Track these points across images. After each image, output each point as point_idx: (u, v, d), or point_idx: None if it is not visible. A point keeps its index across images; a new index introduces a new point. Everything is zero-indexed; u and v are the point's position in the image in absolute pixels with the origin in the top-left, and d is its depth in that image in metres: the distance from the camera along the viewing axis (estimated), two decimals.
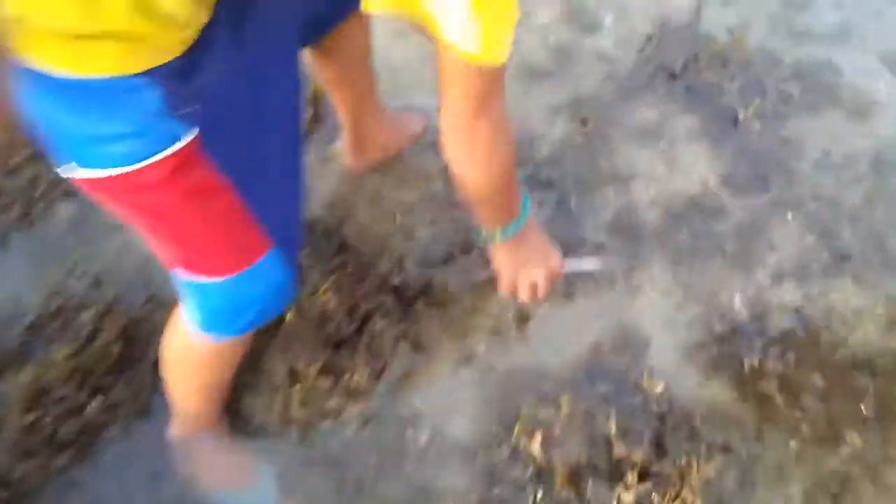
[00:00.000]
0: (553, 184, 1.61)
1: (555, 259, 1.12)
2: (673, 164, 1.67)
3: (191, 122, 0.69)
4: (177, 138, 0.68)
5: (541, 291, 1.12)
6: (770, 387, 1.37)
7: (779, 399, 1.36)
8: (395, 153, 1.60)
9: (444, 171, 1.61)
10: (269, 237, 0.84)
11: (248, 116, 0.75)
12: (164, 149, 0.68)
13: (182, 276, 0.88)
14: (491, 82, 0.77)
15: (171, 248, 0.83)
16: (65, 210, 1.55)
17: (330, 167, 1.61)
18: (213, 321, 0.95)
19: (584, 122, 1.69)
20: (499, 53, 0.73)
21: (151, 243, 0.85)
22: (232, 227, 0.80)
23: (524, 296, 1.11)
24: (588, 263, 1.34)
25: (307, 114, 1.65)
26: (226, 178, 0.74)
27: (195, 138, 0.69)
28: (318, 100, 1.67)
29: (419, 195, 1.59)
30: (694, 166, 1.67)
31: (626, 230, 1.56)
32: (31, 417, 1.23)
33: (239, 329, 0.97)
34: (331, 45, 1.20)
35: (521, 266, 1.09)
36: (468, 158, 0.86)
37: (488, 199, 0.95)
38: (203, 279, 0.87)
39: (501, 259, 1.09)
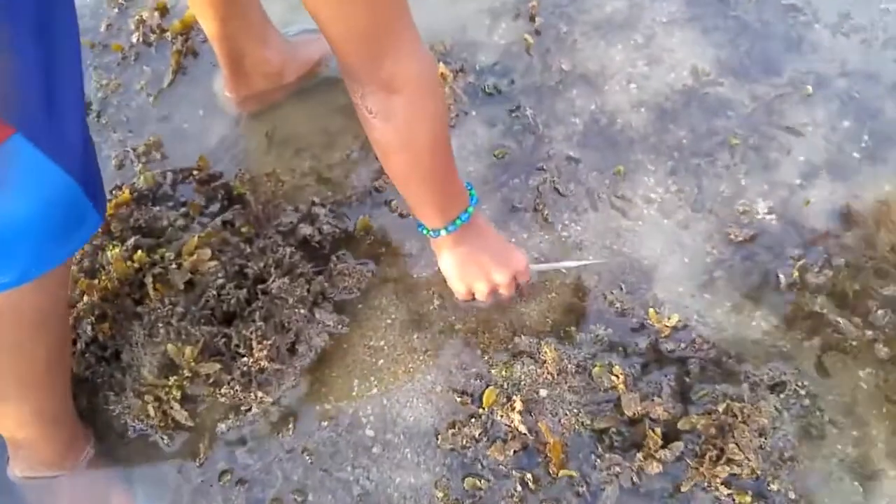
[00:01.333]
0: (502, 94, 1.44)
1: (518, 259, 1.10)
2: (655, 58, 1.52)
3: None
4: None
5: (504, 295, 1.12)
6: (820, 303, 1.18)
7: (835, 316, 1.17)
8: (291, 86, 1.43)
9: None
10: (4, 119, 0.67)
11: None
12: None
13: None
14: (382, 8, 0.74)
15: None
16: None
17: (210, 110, 1.43)
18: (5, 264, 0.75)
19: (532, 19, 1.54)
20: None
21: None
22: None
23: (484, 298, 1.11)
24: (564, 263, 1.22)
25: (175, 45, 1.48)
26: None
27: None
28: (189, 28, 1.51)
29: (330, 131, 1.41)
30: (682, 57, 1.52)
31: (604, 138, 1.39)
32: None
33: (16, 273, 0.77)
34: None
35: (474, 269, 1.06)
36: (380, 121, 0.83)
37: (414, 179, 0.92)
38: None
39: (447, 259, 1.07)
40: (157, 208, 1.26)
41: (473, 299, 1.15)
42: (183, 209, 1.27)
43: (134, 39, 1.51)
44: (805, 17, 1.56)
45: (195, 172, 1.31)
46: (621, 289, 1.22)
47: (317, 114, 1.43)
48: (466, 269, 1.07)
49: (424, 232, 1.03)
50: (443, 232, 1.00)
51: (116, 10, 1.57)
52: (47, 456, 1.02)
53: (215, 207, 1.28)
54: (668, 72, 1.50)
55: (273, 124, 1.41)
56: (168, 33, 1.51)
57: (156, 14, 1.52)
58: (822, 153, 1.37)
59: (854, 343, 1.15)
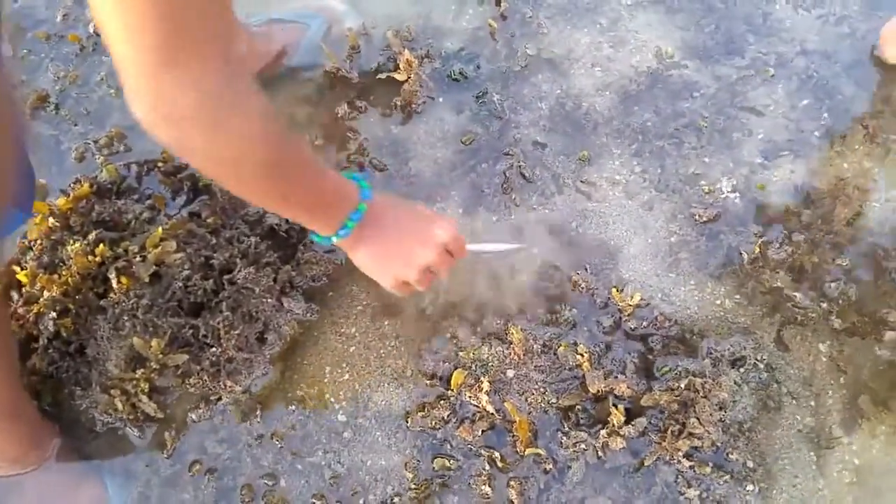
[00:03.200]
0: (468, 79, 1.47)
1: (442, 230, 0.96)
2: (620, 41, 1.55)
3: None
4: None
5: (441, 274, 0.98)
6: (779, 278, 1.24)
7: (793, 291, 1.22)
8: (259, 74, 1.44)
9: (322, 89, 1.47)
10: None
11: None
12: None
13: None
14: (178, 11, 0.60)
15: None
16: None
17: None
18: None
19: (497, 4, 1.57)
20: None
21: None
22: None
23: (420, 286, 0.98)
24: (494, 246, 1.17)
25: None
26: None
27: None
28: None
29: (294, 120, 1.43)
30: (647, 39, 1.56)
31: (569, 121, 1.43)
32: None
33: None
34: None
35: (392, 260, 0.95)
36: (177, 147, 0.68)
37: (259, 200, 0.79)
38: None
39: (360, 260, 0.95)
40: (122, 201, 1.28)
41: (411, 289, 1.02)
42: (148, 202, 1.29)
43: (91, 30, 1.52)
44: None
45: (160, 164, 1.33)
46: (586, 269, 1.26)
47: (282, 103, 1.45)
48: (384, 262, 0.96)
49: (317, 240, 0.92)
50: (335, 239, 0.90)
51: None
52: (9, 452, 1.04)
53: (181, 199, 1.31)
54: (632, 54, 1.54)
55: None
56: None
57: None
58: (783, 132, 1.43)
59: (811, 316, 1.21)
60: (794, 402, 1.14)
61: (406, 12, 1.59)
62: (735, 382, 1.13)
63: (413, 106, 1.43)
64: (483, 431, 1.09)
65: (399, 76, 1.42)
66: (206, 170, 0.75)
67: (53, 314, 1.08)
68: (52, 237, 1.14)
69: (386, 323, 1.23)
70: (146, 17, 0.59)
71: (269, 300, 1.16)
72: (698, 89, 1.49)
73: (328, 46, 1.48)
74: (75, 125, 1.41)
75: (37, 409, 1.06)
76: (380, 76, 1.45)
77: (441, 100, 1.46)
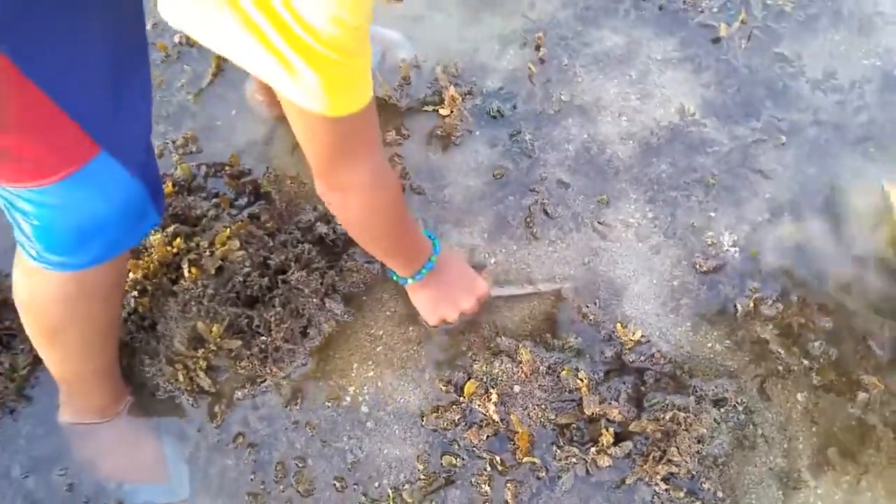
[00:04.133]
0: (505, 118, 1.59)
1: (480, 287, 1.25)
2: (647, 94, 1.66)
3: None
4: None
5: (469, 314, 1.26)
6: (768, 332, 1.34)
7: (779, 345, 1.33)
8: None
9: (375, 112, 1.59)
10: (94, 140, 0.81)
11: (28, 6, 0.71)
12: None
13: (3, 189, 0.83)
14: (345, 131, 0.79)
15: None
16: None
17: (242, 110, 1.58)
18: (51, 247, 0.90)
19: (537, 48, 1.68)
20: (344, 105, 0.74)
21: None
22: (33, 120, 0.76)
23: (452, 321, 1.26)
24: (523, 289, 1.39)
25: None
26: (8, 60, 0.70)
27: None
28: None
29: None
30: (671, 95, 1.66)
31: (592, 165, 1.54)
32: None
33: (89, 257, 0.93)
34: None
35: (441, 301, 1.22)
36: (339, 211, 0.94)
37: (375, 250, 1.04)
38: (18, 189, 0.82)
39: (419, 299, 1.22)
40: (192, 198, 1.41)
41: (445, 322, 1.29)
42: (215, 200, 1.42)
43: (176, 40, 1.66)
44: (792, 68, 1.70)
45: (227, 167, 1.46)
46: (595, 303, 1.38)
47: None
48: (436, 305, 1.23)
49: (395, 278, 1.17)
50: (410, 280, 1.15)
51: None
52: (96, 404, 1.19)
53: (243, 201, 1.44)
54: (657, 108, 1.65)
55: None
56: None
57: None
58: (787, 196, 1.52)
59: (793, 369, 1.31)
60: (767, 443, 1.25)
61: (454, 47, 1.71)
62: (715, 420, 1.24)
63: (453, 137, 1.55)
64: (487, 437, 1.22)
65: (443, 111, 1.54)
66: (352, 228, 0.99)
67: (135, 293, 1.23)
68: None
69: (410, 329, 1.36)
70: (320, 132, 0.80)
71: (314, 300, 1.29)
72: (713, 146, 1.59)
73: (381, 75, 1.60)
74: (157, 125, 1.55)
75: (120, 372, 1.21)
76: (426, 108, 1.57)
77: (478, 134, 1.58)
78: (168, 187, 1.37)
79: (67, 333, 1.04)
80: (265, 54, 0.69)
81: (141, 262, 1.24)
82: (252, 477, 1.21)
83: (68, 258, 0.92)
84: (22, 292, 1.01)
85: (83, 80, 0.80)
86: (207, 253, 1.27)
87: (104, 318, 1.06)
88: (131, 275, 1.24)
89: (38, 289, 0.98)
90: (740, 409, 1.27)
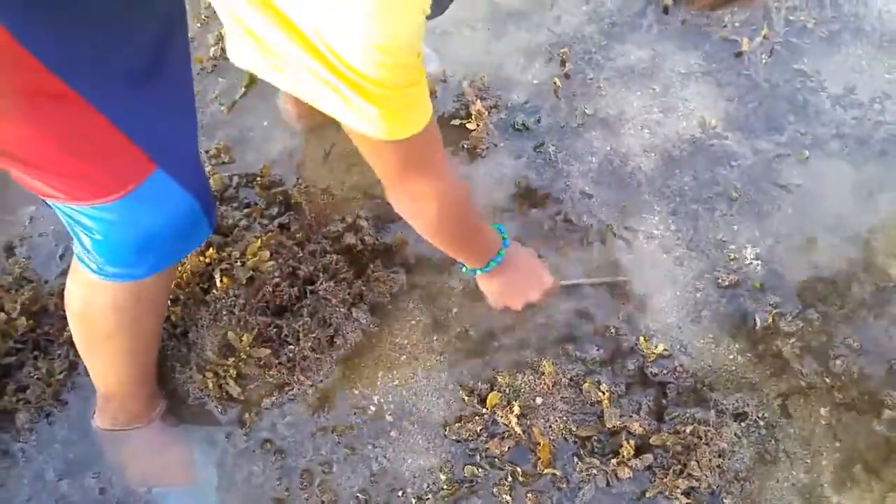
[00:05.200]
0: (529, 130, 1.57)
1: (547, 281, 1.20)
2: (669, 107, 1.62)
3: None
4: None
5: (535, 304, 1.21)
6: (788, 347, 1.30)
7: (800, 362, 1.29)
8: None
9: None
10: (150, 158, 0.82)
11: (84, 20, 0.72)
12: None
13: (61, 206, 0.85)
14: (409, 149, 0.79)
15: (29, 169, 0.80)
16: None
17: (274, 121, 1.58)
18: (111, 260, 0.92)
19: (563, 63, 1.65)
20: (405, 130, 0.75)
21: (11, 171, 0.82)
22: (92, 144, 0.78)
23: (517, 309, 1.20)
24: (588, 279, 1.36)
25: None
26: (61, 81, 0.72)
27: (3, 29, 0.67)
28: None
29: None
30: (694, 108, 1.62)
31: (616, 177, 1.51)
32: None
33: (145, 269, 0.94)
34: None
35: (509, 290, 1.18)
36: (410, 218, 0.94)
37: (447, 248, 1.03)
38: (82, 207, 0.84)
39: (487, 287, 1.18)
40: (224, 207, 1.41)
41: (509, 309, 1.22)
42: (246, 210, 1.42)
43: (212, 53, 1.66)
44: (812, 83, 1.66)
45: (258, 178, 1.46)
46: (618, 316, 1.35)
47: None
48: (504, 294, 1.19)
49: (464, 270, 1.12)
50: (479, 272, 1.12)
51: (199, 24, 1.72)
52: (132, 411, 1.19)
53: (274, 211, 1.43)
54: (679, 121, 1.61)
55: (330, 141, 1.55)
56: None
57: None
58: (810, 211, 1.48)
59: (815, 385, 1.27)
60: (789, 459, 1.21)
61: (481, 60, 1.69)
62: (736, 434, 1.20)
63: (478, 150, 1.52)
64: (509, 448, 1.19)
65: (470, 125, 1.52)
66: (426, 232, 0.98)
67: (168, 302, 1.22)
68: None
69: (434, 339, 1.34)
70: (384, 153, 0.80)
71: (342, 310, 1.28)
72: (736, 160, 1.55)
73: None
74: None
75: (155, 378, 1.21)
76: (453, 122, 1.55)
77: (503, 146, 1.56)
78: None
79: (116, 340, 1.05)
80: (321, 87, 0.69)
81: (174, 271, 1.24)
82: (278, 483, 1.19)
83: (126, 269, 0.94)
84: (76, 302, 1.03)
85: (141, 103, 0.81)
86: (239, 263, 1.26)
87: (151, 324, 1.08)
88: None
89: (94, 298, 1.00)
90: (761, 423, 1.23)
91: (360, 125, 0.72)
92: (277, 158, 1.54)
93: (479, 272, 1.12)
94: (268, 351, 1.22)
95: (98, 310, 1.01)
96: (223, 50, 1.66)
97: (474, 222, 1.05)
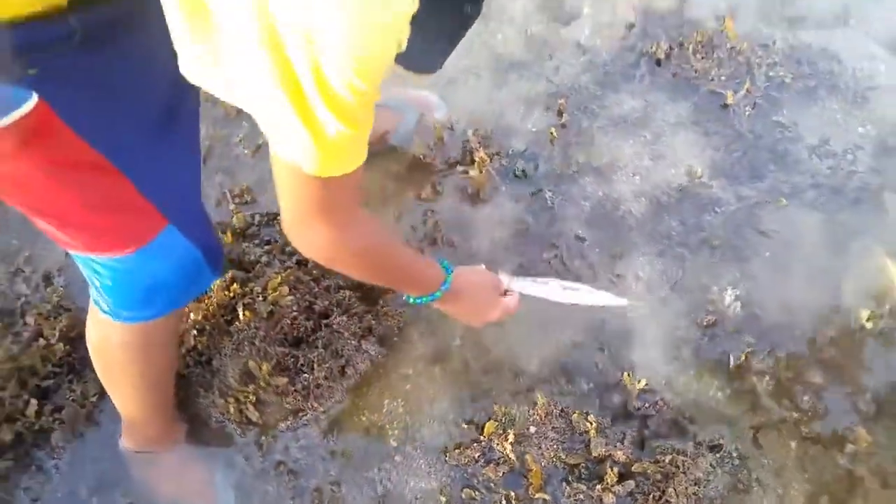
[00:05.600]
0: (528, 177, 1.68)
1: (505, 305, 1.24)
2: (659, 155, 1.74)
3: (38, 86, 0.71)
4: (24, 101, 0.71)
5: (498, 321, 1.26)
6: (762, 384, 1.40)
7: (772, 399, 1.39)
8: None
9: (411, 169, 1.70)
10: (163, 215, 0.90)
11: (112, 93, 0.79)
12: (9, 112, 0.71)
13: (79, 255, 0.93)
14: (333, 189, 0.76)
15: (53, 223, 0.87)
16: (12, 210, 1.63)
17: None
18: (120, 304, 1.00)
19: (560, 114, 1.77)
20: (337, 168, 0.72)
21: (37, 222, 0.87)
22: (114, 202, 0.85)
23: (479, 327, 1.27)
24: (588, 300, 1.35)
25: None
26: (96, 151, 0.78)
27: (44, 104, 0.72)
28: None
29: (385, 193, 1.66)
30: (682, 156, 1.74)
31: (607, 221, 1.62)
32: None
33: (152, 312, 1.03)
34: None
35: (466, 314, 1.23)
36: (315, 256, 0.90)
37: (376, 282, 1.05)
38: (99, 257, 0.91)
39: (446, 311, 1.22)
40: (247, 244, 1.53)
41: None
42: (267, 247, 1.53)
43: None
44: (791, 133, 1.77)
45: (279, 217, 1.57)
46: (603, 351, 1.45)
47: (377, 177, 1.68)
48: (463, 317, 1.24)
49: (409, 300, 1.13)
50: (425, 300, 1.12)
51: None
52: (153, 435, 1.29)
53: (292, 248, 1.54)
54: (668, 168, 1.72)
55: None
56: None
57: None
58: (787, 255, 1.58)
59: (785, 420, 1.37)
60: (762, 488, 1.31)
61: (484, 108, 1.81)
62: (711, 464, 1.30)
63: (481, 194, 1.64)
64: (504, 473, 1.29)
65: (473, 171, 1.63)
66: (344, 271, 0.97)
67: (195, 332, 1.33)
68: None
69: (437, 369, 1.44)
70: (301, 186, 0.77)
71: (353, 342, 1.39)
72: (720, 206, 1.66)
73: (419, 135, 1.71)
74: (216, 176, 1.67)
75: (175, 405, 1.31)
76: (459, 169, 1.67)
77: (504, 190, 1.67)
78: (228, 237, 1.49)
79: (130, 374, 1.15)
80: (266, 101, 0.66)
81: (201, 304, 1.35)
82: (291, 502, 1.30)
83: (134, 312, 1.02)
84: (93, 337, 1.12)
85: (158, 164, 0.88)
86: (260, 298, 1.37)
87: (162, 360, 1.17)
88: (192, 315, 1.35)
89: (108, 336, 1.09)
90: (735, 455, 1.33)
91: (293, 154, 0.70)
92: None
93: (425, 300, 1.13)
94: (285, 379, 1.33)
95: (112, 346, 1.10)
96: None
97: (403, 262, 1.04)
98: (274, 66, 0.63)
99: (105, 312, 1.03)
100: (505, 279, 1.29)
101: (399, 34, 0.62)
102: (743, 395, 1.40)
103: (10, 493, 1.30)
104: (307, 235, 0.86)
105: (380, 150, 1.70)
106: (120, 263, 0.92)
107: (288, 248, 1.55)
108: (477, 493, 1.29)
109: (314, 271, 1.48)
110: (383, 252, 0.98)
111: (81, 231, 0.88)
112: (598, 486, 1.27)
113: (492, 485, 1.29)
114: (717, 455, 1.32)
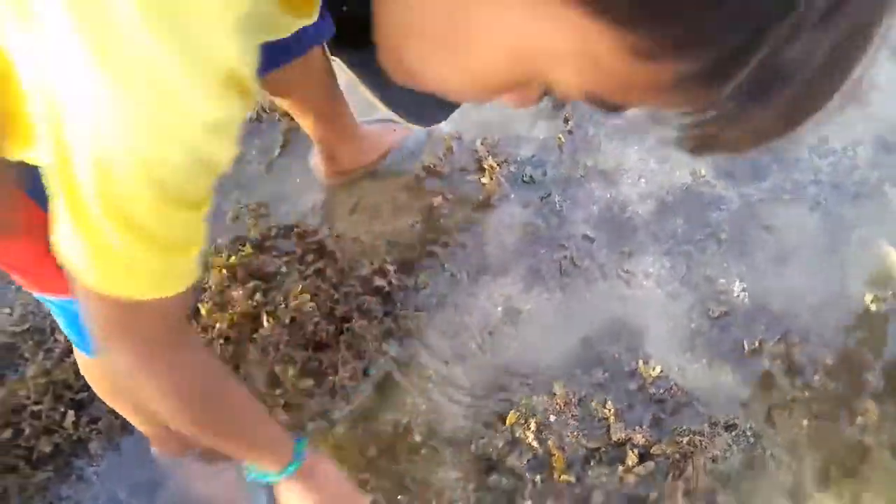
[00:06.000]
0: (536, 182, 1.91)
1: None
2: (663, 159, 1.97)
3: None
4: None
5: None
6: (774, 367, 1.60)
7: (785, 379, 1.58)
8: (370, 165, 1.89)
9: (422, 180, 1.92)
10: None
11: None
12: None
13: (37, 295, 0.96)
14: (130, 310, 0.63)
15: (4, 267, 0.93)
16: None
17: (307, 179, 1.91)
18: (83, 340, 1.05)
19: (566, 121, 2.01)
20: (120, 286, 0.60)
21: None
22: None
23: None
24: None
25: (280, 130, 1.97)
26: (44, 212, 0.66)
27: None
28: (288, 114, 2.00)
29: (396, 203, 1.88)
30: (686, 159, 1.96)
31: (615, 222, 1.84)
32: (8, 433, 1.47)
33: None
34: (284, 77, 1.37)
35: None
36: (117, 390, 0.87)
37: (203, 438, 0.89)
38: (52, 298, 0.95)
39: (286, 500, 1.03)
40: (265, 256, 1.74)
41: None
42: (285, 258, 1.74)
43: (251, 115, 2.01)
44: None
45: (295, 227, 1.79)
46: (619, 342, 1.65)
47: (388, 189, 1.91)
48: None
49: (248, 472, 1.00)
50: (260, 477, 0.99)
51: None
52: (169, 445, 1.46)
53: (309, 258, 1.75)
54: (672, 170, 1.95)
55: (356, 196, 1.89)
56: (276, 113, 2.00)
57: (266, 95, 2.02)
58: (790, 247, 1.80)
59: (796, 398, 1.56)
60: (776, 463, 1.50)
61: (492, 119, 2.04)
62: (727, 443, 1.49)
63: (491, 200, 1.86)
64: (528, 460, 1.48)
65: (483, 178, 1.86)
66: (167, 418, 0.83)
67: (221, 341, 1.53)
68: (225, 284, 1.60)
69: (457, 368, 1.64)
70: (88, 296, 0.64)
71: (374, 343, 1.59)
72: (724, 204, 1.88)
73: (428, 145, 1.93)
74: (232, 192, 1.89)
75: None
76: (468, 177, 1.90)
77: (513, 196, 1.90)
78: (247, 249, 1.70)
79: (125, 401, 1.31)
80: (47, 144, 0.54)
81: (226, 314, 1.56)
82: None
83: (86, 347, 1.08)
84: (81, 370, 1.27)
85: None
86: (283, 305, 1.57)
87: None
88: (217, 325, 1.55)
89: (87, 368, 1.23)
90: (749, 433, 1.52)
91: (66, 247, 0.58)
92: (310, 212, 1.87)
93: (265, 478, 0.99)
94: (311, 381, 1.52)
95: (97, 378, 1.24)
96: (258, 114, 2.01)
97: (239, 412, 0.89)
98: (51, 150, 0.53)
99: (78, 347, 1.12)
100: None
101: (194, 142, 0.52)
102: (755, 377, 1.60)
103: (51, 502, 1.47)
104: (104, 354, 0.72)
105: (387, 163, 1.92)
106: (70, 304, 0.94)
107: (307, 258, 1.76)
108: (503, 479, 1.47)
109: (332, 279, 1.68)
110: (212, 393, 0.83)
111: (26, 275, 0.92)
112: (620, 468, 1.45)
113: (517, 471, 1.47)
114: (733, 434, 1.51)
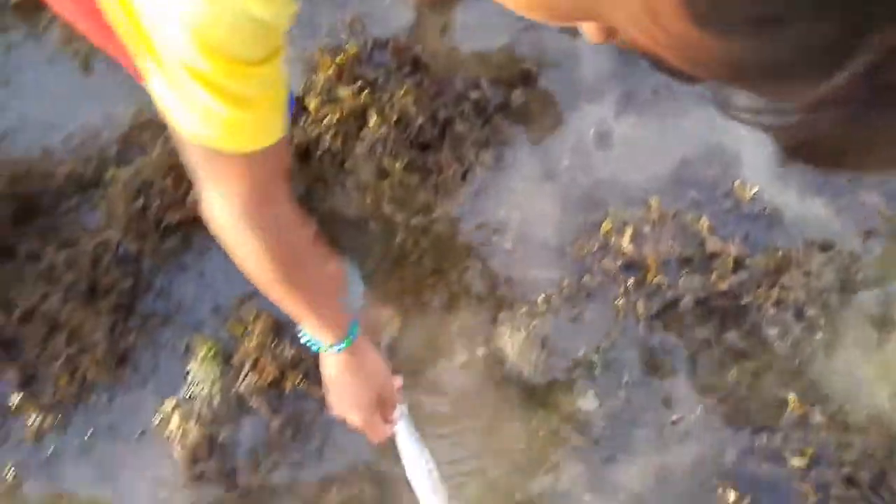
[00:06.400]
0: None
1: (368, 418, 1.12)
2: None
3: None
4: None
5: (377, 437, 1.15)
6: (870, 196, 1.61)
7: (882, 207, 1.59)
8: None
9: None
10: None
11: None
12: None
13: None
14: (202, 159, 0.72)
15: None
16: None
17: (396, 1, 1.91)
18: None
19: None
20: (208, 137, 0.66)
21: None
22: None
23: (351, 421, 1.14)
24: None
25: None
26: None
27: None
28: None
29: (490, 23, 1.87)
30: None
31: None
32: (138, 204, 1.58)
33: None
34: None
35: (335, 391, 1.11)
36: (215, 227, 0.84)
37: (273, 297, 0.95)
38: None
39: (330, 376, 1.10)
40: (362, 68, 1.76)
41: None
42: (382, 69, 1.75)
43: None
44: None
45: (390, 42, 1.79)
46: (714, 165, 1.66)
47: (480, 9, 1.89)
48: (341, 395, 1.11)
49: (303, 338, 1.06)
50: (323, 347, 1.04)
51: None
52: None
53: (406, 69, 1.77)
54: None
55: (446, 17, 1.88)
56: None
57: None
58: None
59: (891, 219, 1.58)
60: (866, 287, 1.53)
61: None
62: (821, 262, 1.52)
63: None
64: (621, 264, 1.54)
65: None
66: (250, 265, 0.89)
67: (329, 135, 1.58)
68: (328, 87, 1.64)
69: (547, 185, 1.67)
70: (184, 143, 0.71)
71: (473, 149, 1.63)
72: None
73: None
74: (325, 7, 1.89)
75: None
76: None
77: None
78: (344, 56, 1.72)
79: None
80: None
81: (336, 106, 1.60)
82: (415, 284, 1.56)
83: None
84: None
85: None
86: (389, 106, 1.61)
87: None
88: (326, 119, 1.60)
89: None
90: (845, 255, 1.54)
91: (160, 96, 0.65)
92: (402, 31, 1.87)
93: (314, 345, 1.05)
94: (418, 177, 1.58)
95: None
96: None
97: (313, 275, 0.96)
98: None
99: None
100: (398, 410, 1.17)
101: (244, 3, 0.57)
102: (851, 206, 1.61)
103: (178, 266, 1.61)
104: (205, 197, 0.80)
105: None
106: None
107: (405, 69, 1.78)
108: (596, 279, 1.53)
109: (430, 90, 1.71)
110: (296, 258, 0.90)
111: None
112: (713, 275, 1.50)
113: (610, 273, 1.53)
114: (828, 254, 1.54)
